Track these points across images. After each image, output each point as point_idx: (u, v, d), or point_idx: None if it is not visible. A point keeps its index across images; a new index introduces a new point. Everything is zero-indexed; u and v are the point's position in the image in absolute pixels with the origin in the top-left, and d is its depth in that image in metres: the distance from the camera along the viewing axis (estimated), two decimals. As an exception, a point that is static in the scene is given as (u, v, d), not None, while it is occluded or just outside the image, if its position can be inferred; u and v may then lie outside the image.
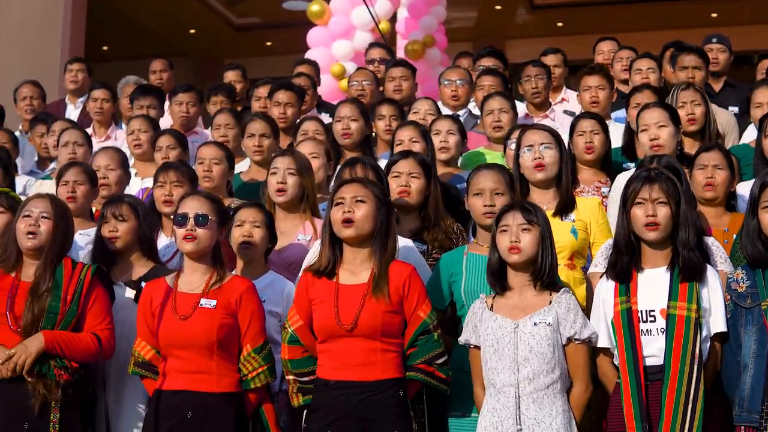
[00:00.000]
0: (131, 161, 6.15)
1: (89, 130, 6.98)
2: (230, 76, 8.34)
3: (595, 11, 14.85)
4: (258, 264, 4.56)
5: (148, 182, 5.88)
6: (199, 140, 6.69)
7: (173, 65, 8.77)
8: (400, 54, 9.61)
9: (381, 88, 7.35)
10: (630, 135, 5.69)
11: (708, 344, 3.89)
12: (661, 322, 3.84)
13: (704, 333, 3.86)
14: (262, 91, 7.12)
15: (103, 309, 4.21)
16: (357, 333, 3.88)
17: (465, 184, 4.87)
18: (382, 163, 5.04)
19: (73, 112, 8.24)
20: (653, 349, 3.84)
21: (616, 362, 3.92)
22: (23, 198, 4.69)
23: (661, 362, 3.81)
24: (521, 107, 6.80)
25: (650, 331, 3.86)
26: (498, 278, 3.98)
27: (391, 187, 4.69)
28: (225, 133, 6.42)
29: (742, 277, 3.93)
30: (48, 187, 5.68)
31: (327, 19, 9.74)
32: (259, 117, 6.11)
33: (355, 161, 4.82)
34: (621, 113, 6.45)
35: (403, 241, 4.33)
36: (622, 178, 5.02)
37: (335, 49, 9.62)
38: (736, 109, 6.58)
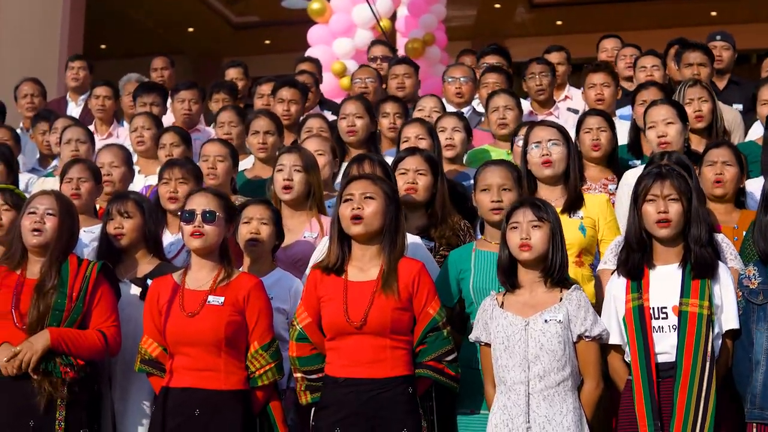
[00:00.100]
0: (134, 158, 6.12)
1: (91, 128, 6.95)
2: (232, 73, 8.31)
3: (593, 10, 14.85)
4: (265, 261, 4.53)
5: (152, 179, 5.86)
6: (201, 137, 6.66)
7: (174, 63, 8.74)
8: (401, 52, 9.59)
9: (384, 86, 7.32)
10: (636, 132, 5.67)
11: (720, 341, 3.87)
12: (673, 319, 3.83)
13: (716, 330, 3.84)
14: (265, 88, 7.09)
15: (109, 306, 4.18)
16: (366, 330, 3.85)
17: (470, 181, 4.84)
18: (387, 161, 5.01)
19: (74, 110, 8.21)
20: (665, 346, 3.83)
21: (626, 359, 3.90)
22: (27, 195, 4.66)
23: (673, 359, 3.79)
24: (525, 105, 6.77)
25: (662, 328, 3.85)
26: (508, 275, 3.95)
27: (398, 184, 4.66)
28: (229, 131, 6.38)
29: (754, 274, 3.92)
30: (50, 184, 5.65)
31: (328, 17, 9.73)
32: (264, 114, 6.07)
33: (363, 158, 4.79)
34: (626, 110, 6.42)
35: (411, 238, 4.30)
36: (628, 175, 5.01)
37: (336, 46, 9.60)
38: (740, 107, 6.57)
